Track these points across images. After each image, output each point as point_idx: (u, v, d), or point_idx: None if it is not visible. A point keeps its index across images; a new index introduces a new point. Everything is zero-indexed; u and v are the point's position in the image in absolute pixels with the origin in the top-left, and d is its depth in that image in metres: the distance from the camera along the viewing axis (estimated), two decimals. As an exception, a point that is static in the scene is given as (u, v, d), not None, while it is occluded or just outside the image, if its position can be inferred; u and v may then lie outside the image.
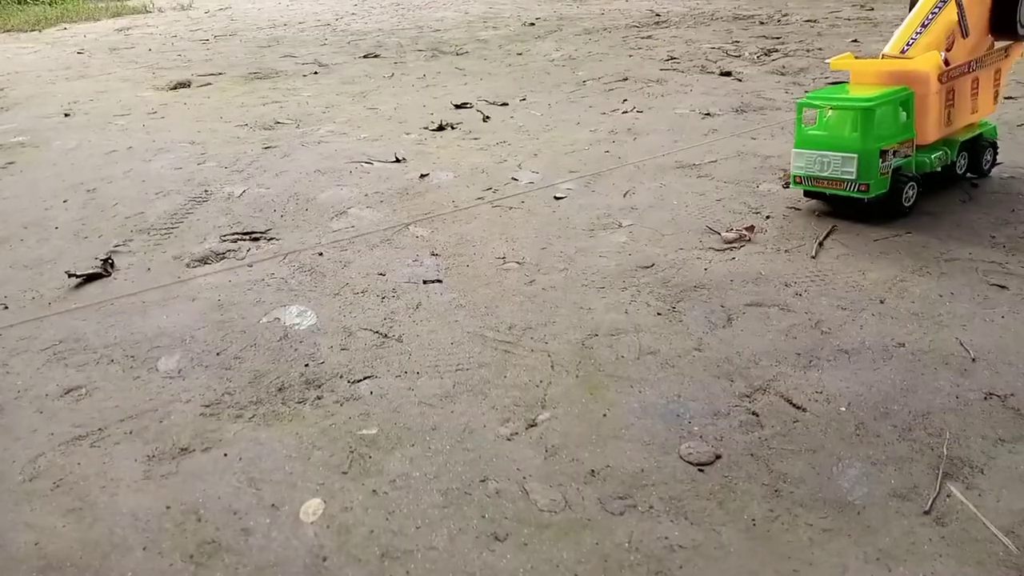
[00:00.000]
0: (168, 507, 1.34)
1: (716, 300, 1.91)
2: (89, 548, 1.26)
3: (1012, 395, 1.51)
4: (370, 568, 1.20)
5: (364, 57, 5.33)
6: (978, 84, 2.47)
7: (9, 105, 4.34)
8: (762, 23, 5.54)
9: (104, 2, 10.47)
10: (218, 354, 1.80)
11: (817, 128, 2.29)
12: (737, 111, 3.45)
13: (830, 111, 2.25)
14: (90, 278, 2.20)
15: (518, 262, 2.17)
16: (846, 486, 1.31)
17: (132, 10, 9.08)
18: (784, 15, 5.83)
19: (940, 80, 2.29)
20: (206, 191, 2.84)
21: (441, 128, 3.51)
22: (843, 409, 1.50)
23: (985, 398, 1.51)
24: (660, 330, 1.80)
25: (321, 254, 2.29)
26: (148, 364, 1.77)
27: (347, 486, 1.36)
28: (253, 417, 1.57)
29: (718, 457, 1.39)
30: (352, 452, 1.45)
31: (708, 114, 3.41)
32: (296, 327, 1.89)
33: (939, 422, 1.45)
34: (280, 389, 1.65)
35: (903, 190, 2.26)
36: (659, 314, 1.86)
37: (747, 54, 4.63)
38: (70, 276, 2.19)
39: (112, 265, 2.27)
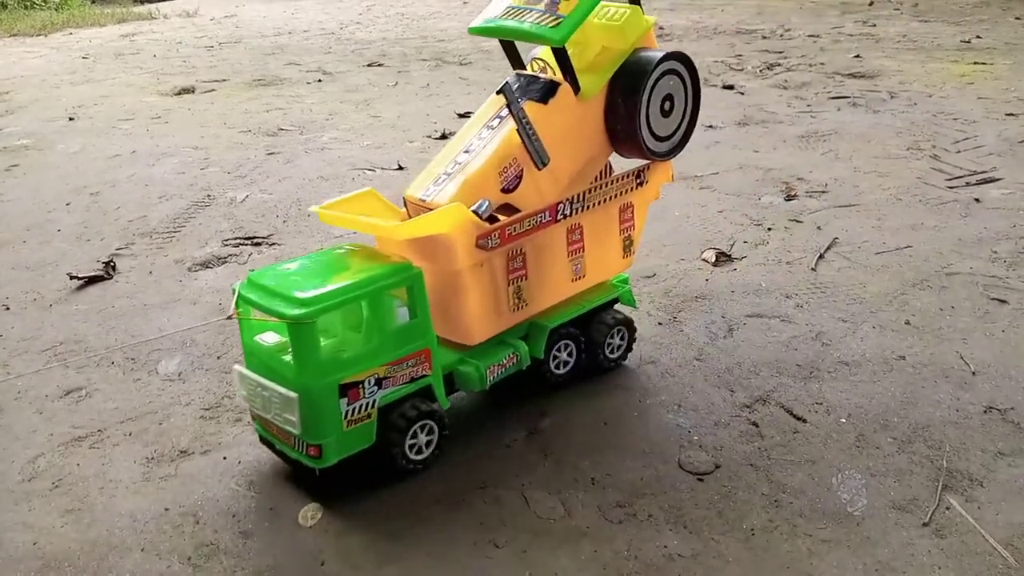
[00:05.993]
0: (167, 509, 1.34)
1: (717, 311, 1.91)
2: (87, 549, 1.26)
3: (1012, 409, 1.51)
4: (368, 573, 1.19)
5: (368, 66, 5.35)
6: (582, 234, 1.55)
7: (14, 108, 4.35)
8: (765, 37, 5.56)
9: (110, 8, 10.51)
10: (218, 358, 1.80)
11: (270, 329, 1.38)
12: (739, 124, 3.46)
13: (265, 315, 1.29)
14: (92, 280, 2.20)
15: (519, 270, 2.16)
16: (846, 497, 1.31)
17: (138, 16, 9.11)
18: (787, 30, 5.84)
19: (480, 244, 1.38)
20: (209, 196, 2.85)
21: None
22: (843, 420, 1.50)
23: (985, 411, 1.51)
24: (661, 339, 1.80)
25: (323, 260, 2.29)
26: (148, 367, 1.78)
27: (346, 491, 1.36)
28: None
29: (718, 467, 1.39)
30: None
31: (710, 126, 3.41)
32: (297, 332, 1.89)
33: (939, 435, 1.45)
34: (280, 393, 1.65)
35: (401, 440, 1.33)
36: (660, 324, 1.86)
37: (749, 68, 4.65)
38: (72, 278, 2.20)
39: (114, 268, 2.27)
